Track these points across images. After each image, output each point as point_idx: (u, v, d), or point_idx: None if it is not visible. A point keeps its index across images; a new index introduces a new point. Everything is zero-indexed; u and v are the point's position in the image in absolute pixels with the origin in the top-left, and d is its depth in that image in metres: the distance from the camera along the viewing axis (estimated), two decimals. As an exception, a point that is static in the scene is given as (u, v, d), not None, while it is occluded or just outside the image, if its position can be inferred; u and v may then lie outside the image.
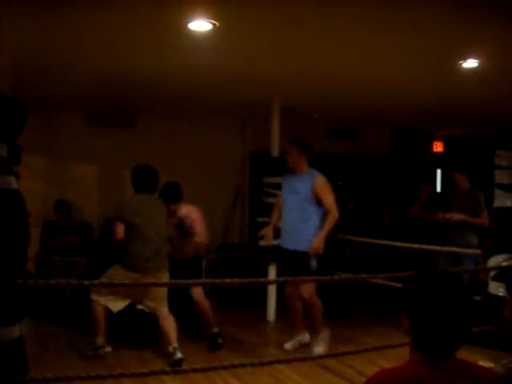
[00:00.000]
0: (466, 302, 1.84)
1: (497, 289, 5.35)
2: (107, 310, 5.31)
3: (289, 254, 5.75)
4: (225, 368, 4.21)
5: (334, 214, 5.62)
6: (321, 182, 5.67)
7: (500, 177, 5.65)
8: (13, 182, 2.64)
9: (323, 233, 5.60)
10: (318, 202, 5.63)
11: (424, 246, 6.60)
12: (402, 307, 1.92)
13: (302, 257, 5.60)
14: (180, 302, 5.81)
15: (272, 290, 7.10)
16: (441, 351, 1.84)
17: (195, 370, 3.95)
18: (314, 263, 5.65)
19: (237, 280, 3.85)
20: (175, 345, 5.20)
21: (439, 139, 11.19)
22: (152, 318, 5.46)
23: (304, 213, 5.67)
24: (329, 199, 5.63)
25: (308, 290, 5.63)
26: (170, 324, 5.30)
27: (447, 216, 6.75)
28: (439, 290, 1.84)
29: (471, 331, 1.86)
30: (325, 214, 5.63)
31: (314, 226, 5.64)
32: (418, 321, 1.85)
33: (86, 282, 3.38)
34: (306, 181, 5.69)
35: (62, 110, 8.09)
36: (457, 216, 6.65)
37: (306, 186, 5.66)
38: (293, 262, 5.67)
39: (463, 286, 1.88)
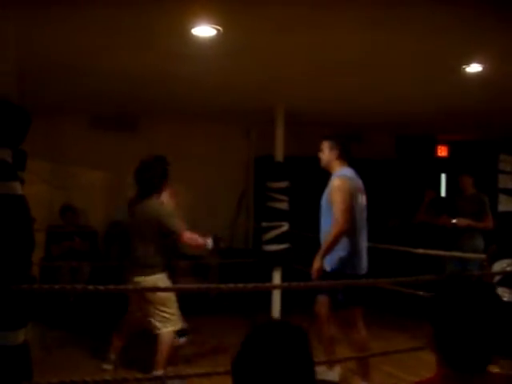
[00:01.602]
0: (497, 311, 1.69)
1: (501, 293, 5.33)
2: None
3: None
4: (228, 373, 4.19)
5: (339, 226, 4.62)
6: (335, 184, 4.80)
7: (504, 181, 5.66)
8: (18, 188, 2.65)
9: (322, 249, 4.73)
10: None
11: (429, 251, 6.58)
12: (426, 316, 1.75)
13: (324, 277, 4.72)
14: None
15: (277, 295, 7.09)
16: (472, 365, 1.65)
17: (198, 375, 3.95)
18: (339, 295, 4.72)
19: (241, 285, 3.85)
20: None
21: (444, 143, 11.18)
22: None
23: (327, 223, 4.83)
24: (337, 206, 4.66)
25: (320, 308, 4.88)
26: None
27: (454, 221, 6.73)
28: (472, 299, 1.68)
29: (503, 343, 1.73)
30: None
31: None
32: (447, 332, 1.67)
33: (90, 287, 3.38)
34: (329, 184, 4.93)
35: (66, 114, 8.11)
36: (463, 221, 6.63)
37: (327, 190, 4.94)
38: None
39: (496, 294, 1.75)
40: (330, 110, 8.00)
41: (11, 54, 3.25)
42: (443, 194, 11.03)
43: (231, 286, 3.84)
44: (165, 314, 4.98)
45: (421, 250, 6.56)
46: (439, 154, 11.26)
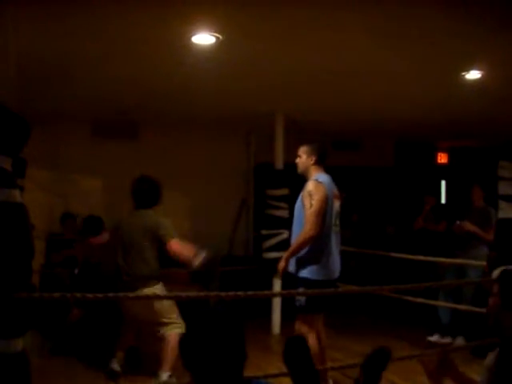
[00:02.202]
0: None
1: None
2: None
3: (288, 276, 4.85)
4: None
5: (308, 230, 4.55)
6: (308, 188, 4.72)
7: (504, 188, 5.64)
8: (17, 196, 2.65)
9: (289, 250, 4.71)
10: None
11: (429, 258, 6.57)
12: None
13: (292, 281, 4.77)
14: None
15: (277, 303, 7.09)
16: None
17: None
18: (300, 298, 4.73)
19: (241, 293, 3.84)
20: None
21: (443, 150, 11.19)
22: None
23: (298, 226, 4.77)
24: (309, 210, 4.60)
25: (297, 325, 4.77)
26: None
27: (458, 223, 6.72)
28: None
29: None
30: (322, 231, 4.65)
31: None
32: None
33: (89, 296, 3.37)
34: (303, 188, 4.86)
35: (66, 122, 8.11)
36: (468, 225, 6.62)
37: (301, 194, 4.87)
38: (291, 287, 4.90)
39: None
40: (330, 117, 8.01)
41: (11, 61, 3.26)
42: (443, 200, 11.04)
43: (231, 293, 3.83)
44: (171, 320, 5.04)
45: (421, 257, 6.55)
46: (439, 161, 11.27)
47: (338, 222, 4.84)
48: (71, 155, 8.27)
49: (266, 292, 6.53)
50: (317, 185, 4.68)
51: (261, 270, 7.32)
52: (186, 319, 2.05)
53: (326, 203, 4.64)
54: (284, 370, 3.98)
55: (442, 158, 11.28)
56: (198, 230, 8.73)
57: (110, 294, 4.59)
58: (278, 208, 7.08)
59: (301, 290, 4.68)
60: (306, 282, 4.64)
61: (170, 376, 4.89)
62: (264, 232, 7.20)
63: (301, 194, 4.85)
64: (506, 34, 4.21)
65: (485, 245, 6.49)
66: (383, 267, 7.81)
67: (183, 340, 1.96)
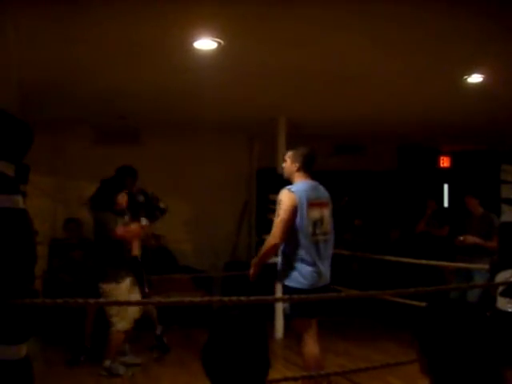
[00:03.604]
0: (489, 335, 1.66)
1: (505, 304, 5.31)
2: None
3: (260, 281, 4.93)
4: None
5: (270, 239, 4.61)
6: (279, 195, 4.63)
7: (507, 192, 5.63)
8: (20, 202, 2.65)
9: (256, 257, 4.82)
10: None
11: (432, 262, 6.56)
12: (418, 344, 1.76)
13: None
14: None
15: (279, 308, 7.07)
16: None
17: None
18: (286, 306, 4.76)
19: (244, 298, 3.83)
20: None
21: (446, 154, 11.17)
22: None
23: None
24: (277, 218, 4.59)
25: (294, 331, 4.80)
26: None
27: (461, 238, 6.69)
28: (463, 324, 1.67)
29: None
30: (292, 238, 4.59)
31: (282, 252, 4.74)
32: (441, 360, 1.67)
33: (91, 301, 3.37)
34: None
35: (68, 128, 8.13)
36: (471, 239, 6.59)
37: None
38: None
39: (485, 318, 1.71)
40: (332, 121, 8.02)
41: (14, 68, 3.27)
42: (446, 204, 11.02)
43: (234, 298, 3.82)
44: (114, 318, 5.35)
45: (423, 261, 6.54)
46: (442, 165, 11.25)
47: (324, 230, 4.72)
48: (74, 161, 8.29)
49: (268, 297, 6.52)
50: (286, 194, 4.56)
51: (263, 274, 7.30)
52: (209, 326, 1.93)
53: (292, 213, 4.52)
54: (288, 374, 3.98)
55: (445, 162, 11.25)
56: (201, 234, 8.74)
57: (111, 300, 4.61)
58: (280, 213, 7.06)
59: (286, 304, 4.75)
60: (287, 290, 4.66)
61: (112, 362, 5.43)
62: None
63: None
64: (508, 37, 4.21)
65: (490, 253, 6.46)
66: (386, 271, 7.79)
67: (205, 347, 1.86)
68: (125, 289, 5.36)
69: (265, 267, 7.16)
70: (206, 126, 8.39)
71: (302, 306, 4.57)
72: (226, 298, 4.02)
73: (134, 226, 5.41)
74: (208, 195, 8.72)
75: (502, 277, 5.33)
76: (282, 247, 4.65)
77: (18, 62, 3.36)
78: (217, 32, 4.17)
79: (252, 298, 3.90)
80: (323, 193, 4.79)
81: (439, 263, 6.60)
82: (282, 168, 4.90)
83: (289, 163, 4.76)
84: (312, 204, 4.60)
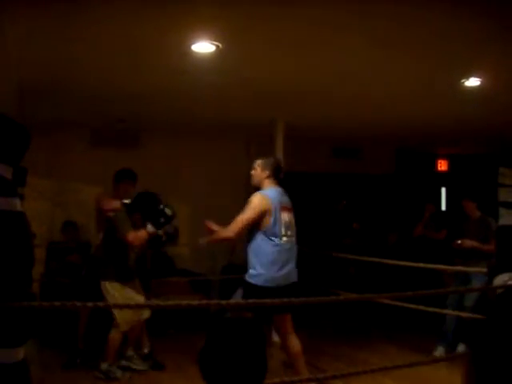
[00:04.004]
0: None
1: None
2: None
3: None
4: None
5: (228, 232, 5.00)
6: (251, 198, 4.99)
7: (504, 195, 5.65)
8: (17, 204, 2.64)
9: (212, 236, 5.15)
10: (258, 224, 4.93)
11: (430, 266, 6.56)
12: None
13: (249, 289, 5.00)
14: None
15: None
16: None
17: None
18: (239, 291, 5.10)
19: (242, 301, 3.84)
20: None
21: (443, 157, 11.19)
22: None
23: (249, 236, 5.08)
24: (241, 216, 4.94)
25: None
26: None
27: (459, 242, 6.69)
28: None
29: None
30: (266, 240, 4.92)
31: (252, 252, 5.05)
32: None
33: (89, 304, 3.37)
34: None
35: (67, 131, 8.12)
36: (468, 242, 6.59)
37: None
38: None
39: None
40: (330, 125, 8.03)
41: (12, 70, 3.27)
42: (443, 207, 11.03)
43: (232, 302, 3.83)
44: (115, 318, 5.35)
45: (421, 265, 6.54)
46: (439, 168, 11.26)
47: (290, 233, 5.10)
48: (72, 163, 8.28)
49: (266, 300, 6.51)
50: (259, 197, 4.91)
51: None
52: (206, 329, 1.92)
53: (258, 215, 4.87)
54: (286, 378, 3.97)
55: (443, 166, 11.27)
56: (199, 237, 8.72)
57: (110, 303, 4.60)
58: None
59: (239, 291, 5.03)
60: (246, 285, 4.98)
61: (110, 365, 5.41)
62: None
63: None
64: (506, 41, 4.22)
65: (487, 257, 6.47)
66: (384, 274, 7.79)
67: (202, 351, 1.85)
68: (129, 291, 5.40)
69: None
70: (205, 129, 8.40)
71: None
72: (223, 302, 4.03)
73: (141, 233, 5.36)
74: (205, 198, 8.71)
75: (500, 280, 5.34)
76: (254, 248, 4.98)
77: (16, 63, 3.36)
78: (215, 35, 4.18)
79: (250, 301, 3.91)
80: (288, 199, 5.17)
81: (437, 267, 6.59)
82: (251, 175, 5.16)
83: (259, 171, 5.07)
84: (283, 208, 5.01)
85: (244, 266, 8.90)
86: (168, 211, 5.45)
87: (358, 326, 7.94)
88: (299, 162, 8.67)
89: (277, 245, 4.94)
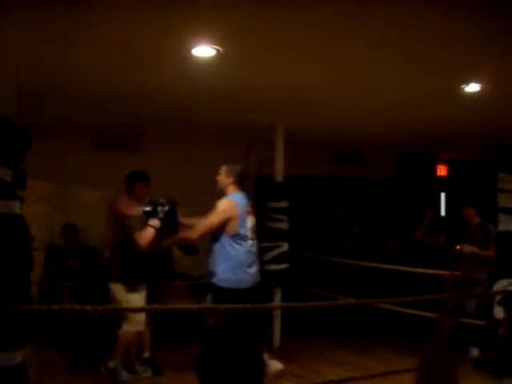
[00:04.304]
0: None
1: (501, 313, 5.31)
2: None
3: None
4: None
5: (193, 234, 5.28)
6: (219, 203, 5.35)
7: (504, 200, 5.64)
8: (17, 207, 2.64)
9: (177, 236, 5.38)
10: (224, 228, 5.24)
11: (429, 271, 6.55)
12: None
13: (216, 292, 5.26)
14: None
15: (277, 316, 7.06)
16: None
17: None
18: (208, 296, 5.32)
19: (241, 305, 3.83)
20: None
21: (443, 163, 11.20)
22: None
23: (214, 240, 5.34)
24: (207, 220, 5.25)
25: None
26: None
27: (458, 247, 6.70)
28: None
29: None
30: (235, 243, 5.23)
31: (220, 257, 5.27)
32: None
33: (88, 308, 3.36)
34: None
35: (67, 134, 8.12)
36: (468, 248, 6.60)
37: None
38: None
39: None
40: (330, 130, 8.03)
41: (11, 73, 3.27)
42: (443, 213, 11.03)
43: (230, 306, 3.82)
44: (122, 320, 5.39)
45: (420, 270, 6.54)
46: (439, 174, 11.28)
47: (254, 236, 5.44)
48: (72, 167, 8.27)
49: (266, 305, 6.51)
50: (227, 202, 5.30)
51: (261, 282, 7.29)
52: (204, 334, 1.91)
53: (224, 220, 5.22)
54: (284, 382, 3.96)
55: (442, 171, 11.29)
56: (198, 241, 8.71)
57: (110, 307, 4.59)
58: (277, 220, 7.08)
59: (209, 296, 5.25)
60: (216, 289, 5.21)
61: (116, 365, 5.43)
62: (264, 244, 7.18)
63: None
64: (506, 46, 4.22)
65: (487, 262, 6.47)
66: (383, 279, 7.79)
67: (200, 357, 1.85)
68: (137, 295, 5.45)
69: (263, 276, 7.21)
70: (204, 133, 8.39)
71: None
72: (222, 306, 4.02)
73: (145, 231, 5.29)
74: (206, 203, 8.68)
75: (499, 286, 5.33)
76: (222, 253, 5.21)
77: (16, 66, 3.36)
78: (215, 39, 4.18)
79: (249, 305, 3.90)
80: (250, 203, 5.53)
81: (436, 272, 6.59)
82: (216, 180, 5.56)
83: (224, 177, 5.49)
84: (248, 212, 5.38)
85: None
86: (162, 200, 5.43)
87: (357, 330, 7.92)
88: (300, 166, 8.68)
89: (244, 248, 5.24)
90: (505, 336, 2.39)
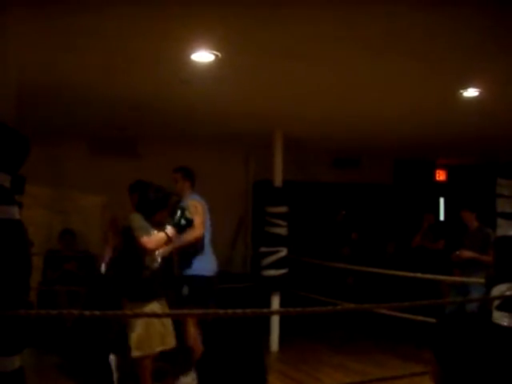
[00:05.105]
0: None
1: (501, 318, 5.30)
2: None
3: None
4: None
5: (196, 233, 5.42)
6: (193, 204, 5.60)
7: (502, 205, 5.64)
8: (15, 213, 2.65)
9: (176, 243, 5.13)
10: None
11: (428, 276, 6.55)
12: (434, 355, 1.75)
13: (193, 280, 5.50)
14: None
15: (275, 320, 7.05)
16: None
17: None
18: (185, 288, 5.46)
19: (239, 310, 3.82)
20: None
21: (442, 168, 11.22)
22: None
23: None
24: (197, 219, 5.36)
25: (189, 331, 5.10)
26: None
27: (457, 253, 6.70)
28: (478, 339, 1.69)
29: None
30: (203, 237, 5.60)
31: (194, 249, 5.54)
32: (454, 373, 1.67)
33: (86, 313, 3.36)
34: (187, 205, 5.47)
35: (65, 139, 8.13)
36: (467, 253, 6.60)
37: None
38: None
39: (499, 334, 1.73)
40: (329, 135, 8.03)
41: (11, 79, 3.27)
42: (442, 218, 11.03)
43: (229, 311, 3.81)
44: (134, 339, 4.64)
45: (419, 275, 6.54)
46: (438, 179, 11.29)
47: (210, 230, 5.94)
48: (70, 172, 8.28)
49: (264, 310, 6.50)
50: (199, 202, 5.75)
51: (259, 287, 7.29)
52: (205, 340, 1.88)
53: (205, 215, 5.77)
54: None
55: (441, 176, 11.30)
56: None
57: (109, 312, 4.55)
58: (276, 225, 7.08)
59: (185, 288, 5.46)
60: (195, 279, 5.48)
61: None
62: (263, 249, 7.18)
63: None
64: (504, 52, 4.23)
65: (485, 267, 6.46)
66: (382, 285, 7.78)
67: (201, 362, 1.85)
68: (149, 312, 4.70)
69: (262, 281, 7.21)
70: (203, 138, 8.40)
71: (205, 292, 5.47)
72: (221, 311, 4.01)
73: (157, 235, 4.74)
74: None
75: (497, 290, 5.32)
76: (196, 245, 5.55)
77: (16, 72, 3.35)
78: (214, 45, 4.18)
79: (248, 310, 3.89)
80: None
81: (435, 277, 6.59)
82: (175, 183, 5.87)
83: (181, 181, 5.88)
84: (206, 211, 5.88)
85: (240, 275, 8.93)
86: (188, 214, 5.07)
87: (356, 336, 7.91)
88: (299, 171, 8.70)
89: (208, 239, 5.75)
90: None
